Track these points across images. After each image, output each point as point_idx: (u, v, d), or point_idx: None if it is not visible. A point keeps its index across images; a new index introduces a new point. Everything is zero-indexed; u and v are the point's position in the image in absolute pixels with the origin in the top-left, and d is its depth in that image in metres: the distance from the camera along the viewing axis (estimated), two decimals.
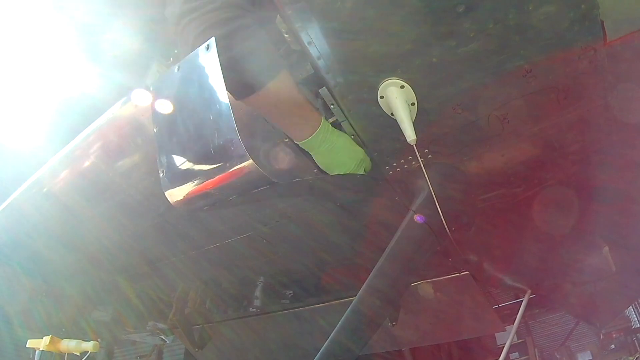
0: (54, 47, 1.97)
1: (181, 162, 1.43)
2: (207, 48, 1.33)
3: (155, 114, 1.50)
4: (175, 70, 1.46)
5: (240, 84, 1.43)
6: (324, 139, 1.61)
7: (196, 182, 1.39)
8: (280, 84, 1.46)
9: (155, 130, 1.49)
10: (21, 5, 1.94)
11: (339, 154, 1.66)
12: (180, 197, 1.44)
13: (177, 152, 1.44)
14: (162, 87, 1.50)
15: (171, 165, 1.45)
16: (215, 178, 1.35)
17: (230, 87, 1.43)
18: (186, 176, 1.41)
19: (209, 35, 1.30)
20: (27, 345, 2.78)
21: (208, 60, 1.33)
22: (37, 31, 1.96)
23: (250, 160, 1.26)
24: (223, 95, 1.29)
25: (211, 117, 1.33)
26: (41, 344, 2.71)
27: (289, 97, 1.51)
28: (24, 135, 2.37)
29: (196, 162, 1.40)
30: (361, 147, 1.71)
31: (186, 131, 1.42)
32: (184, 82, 1.42)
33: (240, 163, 1.28)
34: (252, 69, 1.40)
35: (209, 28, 1.34)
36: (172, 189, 1.44)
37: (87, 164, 2.19)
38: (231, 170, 1.31)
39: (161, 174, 1.46)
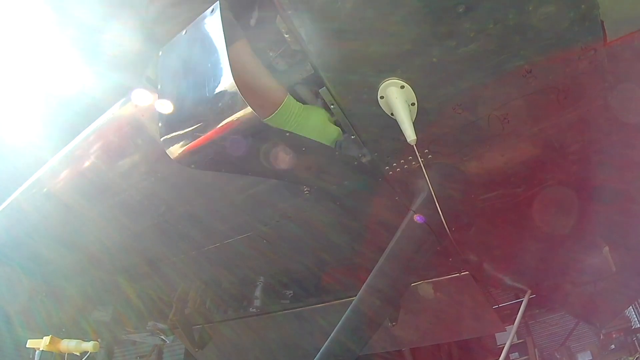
0: (54, 47, 1.97)
1: (182, 115, 1.45)
2: (212, 11, 1.36)
3: (160, 73, 1.53)
4: (183, 33, 1.49)
5: None
6: (290, 117, 1.53)
7: (195, 131, 1.40)
8: (235, 52, 1.39)
9: (159, 87, 1.52)
10: (21, 6, 1.94)
11: (309, 134, 1.55)
12: (179, 149, 1.45)
13: (178, 105, 1.46)
14: (169, 50, 1.55)
15: (171, 119, 1.46)
16: (213, 126, 1.36)
17: None
18: (186, 127, 1.42)
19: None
20: (27, 346, 2.78)
21: (212, 21, 1.36)
22: (37, 31, 1.96)
23: (248, 108, 1.27)
24: (223, 52, 1.31)
25: (211, 69, 1.36)
26: (41, 344, 2.71)
27: (245, 66, 1.44)
28: (24, 135, 2.37)
29: (196, 112, 1.41)
30: (362, 146, 1.72)
31: (187, 85, 1.45)
32: (190, 43, 1.46)
33: (238, 110, 1.29)
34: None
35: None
36: (170, 140, 1.46)
37: (87, 164, 2.19)
38: (229, 117, 1.32)
39: (161, 132, 1.47)
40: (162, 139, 1.48)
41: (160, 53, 1.56)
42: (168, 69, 1.53)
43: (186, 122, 1.44)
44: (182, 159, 1.48)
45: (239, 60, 1.42)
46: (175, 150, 1.46)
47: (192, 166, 1.52)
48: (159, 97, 1.51)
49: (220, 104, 1.33)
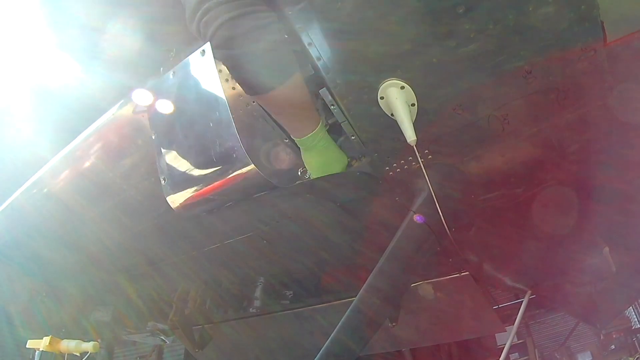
0: (54, 47, 1.97)
1: (182, 168, 1.44)
2: (203, 53, 1.33)
3: (152, 120, 1.51)
4: (171, 76, 1.46)
5: (254, 82, 1.43)
6: (321, 138, 1.65)
7: (198, 187, 1.40)
8: (292, 87, 1.47)
9: (153, 136, 1.50)
10: (22, 6, 1.94)
11: (332, 154, 1.71)
12: (182, 202, 1.45)
13: (178, 158, 1.45)
14: (158, 93, 1.50)
15: (172, 171, 1.46)
16: (217, 183, 1.36)
17: (243, 83, 1.44)
18: (188, 182, 1.42)
19: (228, 28, 1.27)
20: (27, 346, 2.79)
21: (204, 65, 1.33)
22: (37, 31, 1.96)
23: (252, 165, 1.27)
24: (222, 102, 1.30)
25: (211, 124, 1.34)
26: (41, 344, 2.71)
27: (299, 99, 1.52)
28: (24, 135, 2.37)
29: (197, 168, 1.41)
30: (361, 147, 1.72)
31: (186, 137, 1.42)
32: (181, 87, 1.43)
33: (242, 168, 1.29)
34: (268, 68, 1.40)
35: (230, 21, 1.29)
36: (174, 194, 1.45)
37: (87, 164, 2.19)
38: (233, 175, 1.32)
39: (162, 181, 1.47)
40: (164, 193, 1.48)
41: (147, 87, 1.54)
42: (161, 117, 1.50)
43: (186, 176, 1.43)
44: (184, 211, 1.48)
45: (295, 93, 1.49)
46: (176, 202, 1.46)
47: (196, 216, 1.54)
48: (156, 146, 1.50)
49: (223, 161, 1.33)
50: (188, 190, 1.42)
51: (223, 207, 1.51)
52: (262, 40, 1.33)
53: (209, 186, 1.38)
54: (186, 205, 1.44)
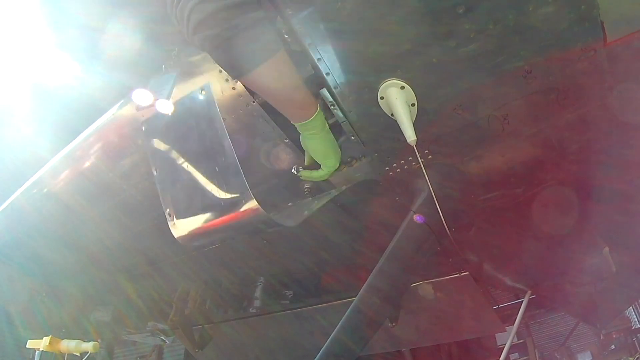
0: (54, 47, 1.97)
1: (187, 205, 1.45)
2: (201, 91, 1.33)
3: (153, 156, 1.51)
4: (169, 114, 1.47)
5: (235, 63, 1.38)
6: (321, 124, 1.61)
7: (203, 224, 1.41)
8: (277, 65, 1.41)
9: (155, 172, 1.50)
10: (22, 6, 1.94)
11: (330, 144, 1.66)
12: (187, 236, 1.46)
13: (182, 195, 1.46)
14: (156, 127, 1.51)
15: (177, 207, 1.47)
16: (222, 221, 1.37)
17: (226, 66, 1.40)
18: (193, 219, 1.43)
19: (200, 10, 1.24)
20: (27, 346, 2.78)
21: (205, 103, 1.33)
22: (37, 31, 1.96)
23: (258, 206, 1.27)
24: (227, 142, 1.30)
25: (217, 167, 1.35)
26: (41, 344, 2.71)
27: (286, 78, 1.46)
28: (24, 135, 2.37)
29: (203, 206, 1.42)
30: (361, 147, 1.72)
31: (189, 177, 1.44)
32: (181, 124, 1.43)
33: (247, 206, 1.30)
34: (247, 47, 1.34)
35: (200, 3, 1.25)
36: (178, 227, 1.46)
37: (87, 164, 2.20)
38: (238, 213, 1.33)
39: (167, 216, 1.48)
40: (171, 229, 1.49)
41: (143, 127, 1.53)
42: (159, 152, 1.50)
43: (192, 214, 1.44)
44: (187, 244, 1.49)
45: (280, 71, 1.43)
46: (181, 235, 1.47)
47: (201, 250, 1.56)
48: (157, 177, 1.50)
49: (227, 198, 1.35)
50: (193, 226, 1.43)
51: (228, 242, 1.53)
52: (237, 19, 1.28)
53: (214, 223, 1.40)
54: (191, 239, 1.46)
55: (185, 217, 1.45)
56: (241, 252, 2.50)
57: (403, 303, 2.56)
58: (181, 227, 1.46)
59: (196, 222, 1.43)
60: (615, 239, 2.20)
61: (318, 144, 1.65)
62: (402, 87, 1.45)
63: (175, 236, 1.48)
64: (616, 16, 1.28)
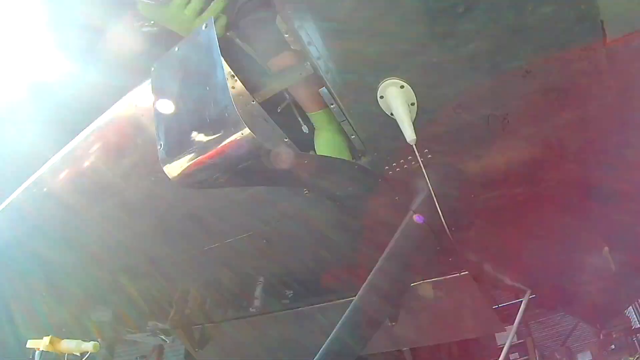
0: (54, 47, 1.98)
1: (179, 135, 1.44)
2: (206, 26, 1.35)
3: (155, 91, 1.52)
4: (176, 49, 1.48)
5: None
6: (332, 118, 1.68)
7: (194, 154, 1.40)
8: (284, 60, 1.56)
9: (154, 105, 1.51)
10: (22, 6, 1.94)
11: (342, 141, 1.73)
12: (178, 171, 1.44)
13: (176, 125, 1.45)
14: (162, 66, 1.53)
15: (169, 138, 1.46)
16: (212, 150, 1.36)
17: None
18: (184, 149, 1.42)
19: None
20: (27, 346, 2.78)
21: (206, 37, 1.35)
22: (37, 31, 1.96)
23: (247, 129, 1.26)
24: (220, 70, 1.31)
25: (208, 90, 1.35)
26: (41, 344, 2.71)
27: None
28: (24, 135, 2.37)
29: (194, 135, 1.41)
30: (361, 146, 1.72)
31: (185, 105, 1.44)
32: (184, 60, 1.45)
33: (237, 132, 1.29)
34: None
35: None
36: (170, 163, 1.45)
37: (87, 163, 2.20)
38: (228, 140, 1.32)
39: (159, 147, 1.47)
40: (160, 160, 1.48)
41: (153, 69, 1.55)
42: (163, 88, 1.52)
43: (185, 144, 1.43)
44: (181, 180, 1.48)
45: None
46: (174, 172, 1.46)
47: (192, 187, 1.54)
48: (156, 119, 1.51)
49: (220, 127, 1.33)
50: (184, 157, 1.41)
51: (219, 179, 1.50)
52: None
53: (204, 153, 1.38)
54: (182, 174, 1.43)
55: (177, 151, 1.44)
56: (241, 251, 2.50)
57: (403, 303, 2.56)
58: (173, 163, 1.45)
59: (188, 155, 1.41)
60: (615, 239, 2.19)
61: (328, 139, 1.73)
62: (402, 87, 1.45)
63: (168, 173, 1.47)
64: (616, 16, 1.28)
